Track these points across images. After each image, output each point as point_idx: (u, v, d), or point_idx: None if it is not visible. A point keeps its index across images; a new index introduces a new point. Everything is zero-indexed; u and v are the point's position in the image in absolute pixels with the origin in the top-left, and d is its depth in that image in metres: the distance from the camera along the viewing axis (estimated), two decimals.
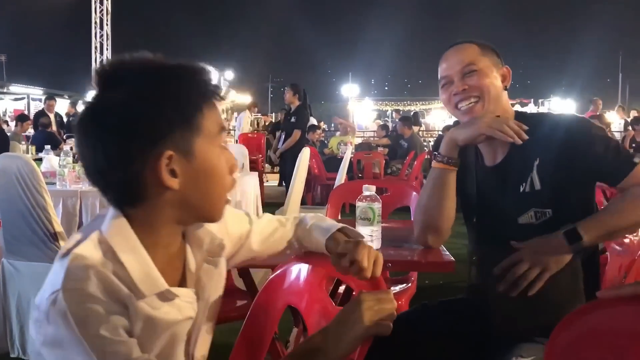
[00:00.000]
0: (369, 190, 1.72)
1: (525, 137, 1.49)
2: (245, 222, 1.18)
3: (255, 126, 14.87)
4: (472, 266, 1.65)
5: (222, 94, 0.91)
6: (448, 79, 1.60)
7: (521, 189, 1.52)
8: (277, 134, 7.75)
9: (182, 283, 0.96)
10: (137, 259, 0.86)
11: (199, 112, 0.87)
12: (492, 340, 1.46)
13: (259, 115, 17.06)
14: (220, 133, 0.91)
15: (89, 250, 0.84)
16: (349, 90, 43.40)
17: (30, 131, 9.40)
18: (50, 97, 10.37)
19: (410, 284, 2.41)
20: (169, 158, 0.84)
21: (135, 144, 0.83)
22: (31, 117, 10.40)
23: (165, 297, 0.89)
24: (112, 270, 0.83)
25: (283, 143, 6.97)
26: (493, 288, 1.46)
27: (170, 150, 0.84)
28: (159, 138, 0.83)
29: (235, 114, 16.68)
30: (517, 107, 1.70)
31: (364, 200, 1.71)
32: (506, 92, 1.61)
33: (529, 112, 1.76)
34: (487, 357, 1.46)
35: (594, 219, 1.47)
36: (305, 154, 4.64)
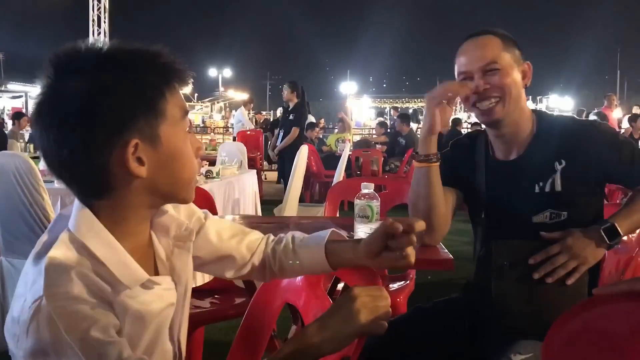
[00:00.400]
0: (368, 187, 1.71)
1: (470, 87, 1.48)
2: (202, 216, 1.15)
3: (254, 123, 14.86)
4: (478, 262, 1.62)
5: (186, 76, 0.88)
6: (467, 75, 1.52)
7: (539, 188, 1.51)
8: (276, 131, 7.74)
9: (155, 272, 0.95)
10: (113, 253, 0.84)
11: (161, 97, 0.84)
12: (490, 337, 1.46)
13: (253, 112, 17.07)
14: (184, 117, 0.89)
15: (63, 251, 0.81)
16: (347, 87, 43.53)
17: (28, 129, 9.38)
18: None
19: (408, 282, 2.40)
20: (134, 146, 0.82)
21: (99, 135, 0.80)
22: (29, 115, 10.38)
23: (147, 287, 0.88)
24: (91, 269, 0.81)
25: (281, 140, 6.96)
26: (498, 283, 1.46)
27: (136, 139, 0.82)
28: (122, 127, 0.81)
29: (234, 112, 16.67)
30: None
31: (362, 198, 1.70)
32: (524, 89, 1.55)
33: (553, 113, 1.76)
34: (484, 355, 1.46)
35: (623, 214, 1.51)
36: (303, 151, 4.64)
